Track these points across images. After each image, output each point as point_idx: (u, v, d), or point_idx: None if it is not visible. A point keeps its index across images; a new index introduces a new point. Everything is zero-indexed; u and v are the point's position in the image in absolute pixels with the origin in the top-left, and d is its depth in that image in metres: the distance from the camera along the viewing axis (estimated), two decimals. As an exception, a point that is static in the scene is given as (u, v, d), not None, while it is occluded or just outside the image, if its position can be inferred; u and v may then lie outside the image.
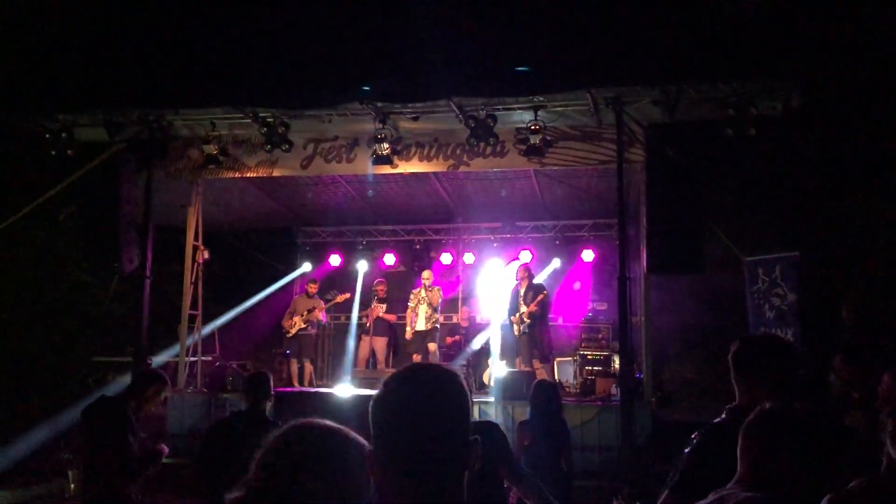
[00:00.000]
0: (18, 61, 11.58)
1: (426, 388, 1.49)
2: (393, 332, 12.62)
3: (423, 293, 11.71)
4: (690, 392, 12.53)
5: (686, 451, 2.76)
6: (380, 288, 12.40)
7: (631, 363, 8.61)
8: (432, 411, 1.46)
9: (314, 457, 1.59)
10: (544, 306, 11.10)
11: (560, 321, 13.25)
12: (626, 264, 8.49)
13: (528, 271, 11.38)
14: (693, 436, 2.80)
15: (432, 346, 11.54)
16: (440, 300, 11.77)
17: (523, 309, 10.93)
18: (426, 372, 1.56)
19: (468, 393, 1.53)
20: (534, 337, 10.92)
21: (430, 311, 11.62)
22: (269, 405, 4.95)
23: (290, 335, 11.82)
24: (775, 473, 1.98)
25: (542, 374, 10.32)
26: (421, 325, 11.60)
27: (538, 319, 10.95)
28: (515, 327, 11.08)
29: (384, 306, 12.32)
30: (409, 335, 11.83)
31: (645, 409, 9.00)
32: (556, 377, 11.59)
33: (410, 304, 11.86)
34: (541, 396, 5.91)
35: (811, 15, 12.32)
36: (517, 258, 13.41)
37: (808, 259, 10.31)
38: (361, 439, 1.64)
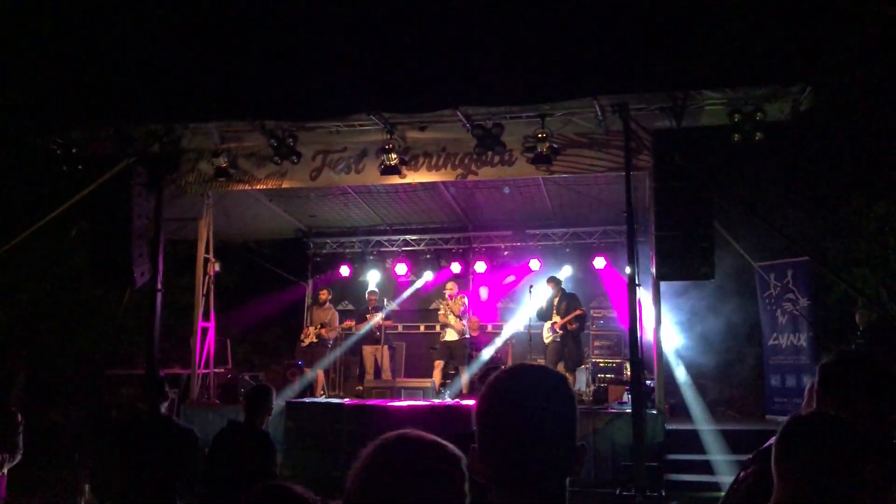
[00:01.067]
0: (28, 78, 11.70)
1: (538, 389, 1.47)
2: (387, 338, 12.73)
3: (449, 304, 11.74)
4: (704, 400, 12.45)
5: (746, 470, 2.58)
6: (372, 298, 12.55)
7: (642, 371, 8.57)
8: (544, 412, 1.44)
9: (413, 469, 1.57)
10: (582, 321, 11.22)
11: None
12: (635, 271, 8.45)
13: (559, 282, 11.56)
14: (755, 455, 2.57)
15: (463, 377, 11.55)
16: (462, 309, 11.78)
17: (556, 318, 11.12)
18: (537, 372, 1.53)
19: (573, 396, 1.52)
20: (566, 346, 11.03)
21: (457, 322, 11.66)
22: (267, 419, 4.97)
23: (304, 345, 11.89)
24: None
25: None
26: (452, 336, 11.63)
27: (570, 330, 11.05)
28: (546, 333, 11.21)
29: (381, 314, 12.38)
30: (444, 343, 11.84)
31: (657, 417, 8.96)
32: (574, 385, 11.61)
33: (441, 312, 11.91)
34: None
35: (817, 19, 12.28)
36: (528, 267, 13.43)
37: (818, 263, 10.25)
38: (457, 451, 1.61)
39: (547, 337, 11.32)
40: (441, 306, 11.90)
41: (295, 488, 1.70)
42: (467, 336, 11.77)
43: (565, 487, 1.45)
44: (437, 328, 12.21)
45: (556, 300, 11.30)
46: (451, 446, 1.57)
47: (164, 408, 4.89)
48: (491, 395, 1.49)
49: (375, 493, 1.47)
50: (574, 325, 11.11)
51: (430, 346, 12.61)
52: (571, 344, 11.15)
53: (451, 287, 11.94)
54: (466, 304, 11.96)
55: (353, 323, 12.63)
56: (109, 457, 4.65)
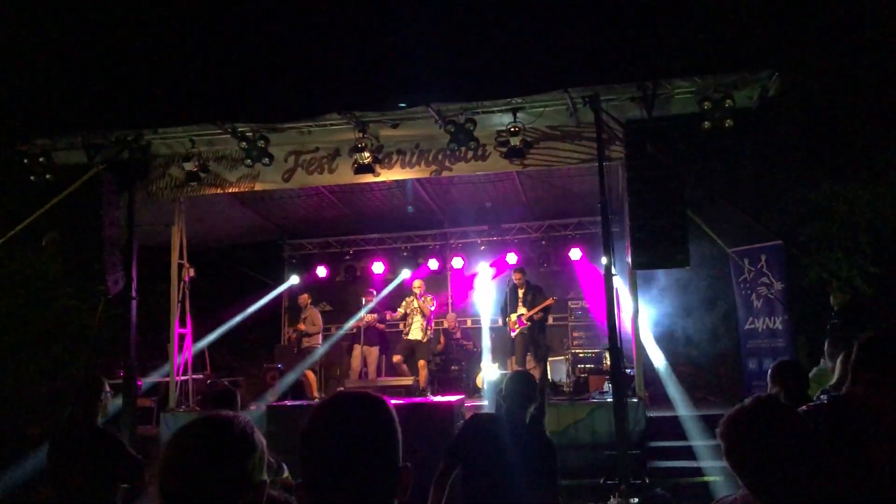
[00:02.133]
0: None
1: (353, 417, 1.51)
2: (385, 341, 12.62)
3: (415, 303, 11.64)
4: (683, 386, 12.56)
5: None
6: (370, 298, 12.41)
7: (621, 360, 8.62)
8: (359, 439, 1.47)
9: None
10: (547, 311, 11.24)
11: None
12: (611, 261, 8.49)
13: (524, 273, 11.49)
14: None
15: (422, 363, 11.46)
16: (432, 310, 11.73)
17: (522, 311, 11.07)
18: (349, 400, 1.58)
19: (394, 419, 1.55)
20: (533, 338, 11.05)
21: (423, 322, 11.58)
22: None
23: (296, 350, 11.98)
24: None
25: (536, 373, 10.48)
26: (416, 335, 11.55)
27: (538, 322, 11.08)
28: (510, 327, 11.20)
29: (375, 316, 12.31)
30: (406, 345, 11.73)
31: (638, 405, 9.02)
32: (550, 376, 11.60)
33: (400, 310, 11.81)
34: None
35: (782, 5, 12.40)
36: (504, 260, 13.46)
37: (792, 247, 10.37)
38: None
39: (513, 330, 11.25)
40: (404, 303, 11.77)
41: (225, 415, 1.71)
42: (430, 337, 11.70)
43: None
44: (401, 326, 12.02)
45: (521, 291, 11.29)
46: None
47: (98, 413, 4.49)
48: (309, 427, 1.52)
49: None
50: (539, 316, 11.11)
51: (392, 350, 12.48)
52: (539, 335, 11.17)
53: (418, 285, 11.85)
54: (434, 307, 11.88)
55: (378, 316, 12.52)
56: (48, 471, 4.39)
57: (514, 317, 11.20)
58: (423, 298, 11.62)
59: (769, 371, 4.29)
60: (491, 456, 4.07)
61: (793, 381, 4.09)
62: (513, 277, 11.46)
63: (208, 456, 1.60)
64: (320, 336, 12.37)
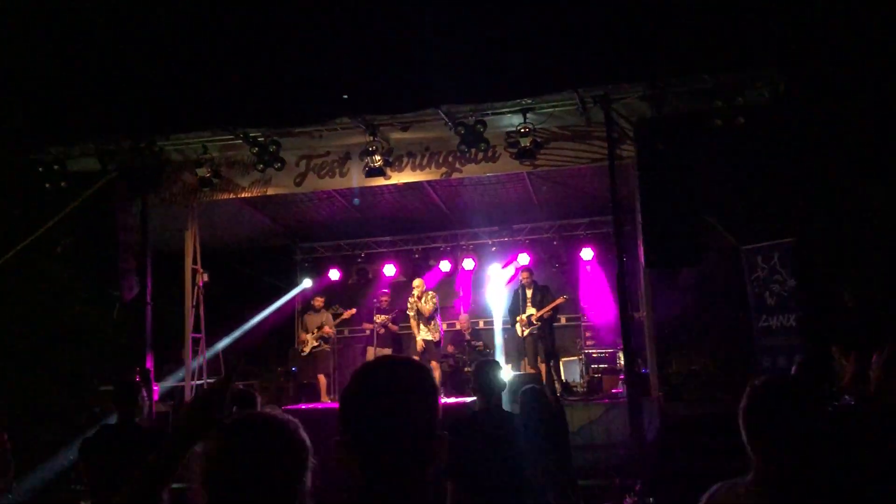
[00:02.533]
0: (7, 96, 11.62)
1: (398, 381, 1.54)
2: (398, 343, 12.62)
3: (417, 302, 11.64)
4: (697, 384, 12.52)
5: None
6: (383, 299, 12.38)
7: (635, 359, 8.61)
8: (395, 402, 1.50)
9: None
10: (556, 310, 11.23)
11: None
12: (623, 260, 8.48)
13: (531, 273, 11.46)
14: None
15: (434, 364, 11.42)
16: (434, 307, 11.66)
17: (531, 311, 11.03)
18: (393, 364, 1.61)
19: (436, 387, 1.58)
20: (542, 338, 11.02)
21: (425, 321, 11.55)
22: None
23: (305, 353, 11.88)
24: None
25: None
26: (425, 335, 11.56)
27: (547, 321, 11.06)
28: (519, 328, 11.19)
29: (387, 317, 12.29)
30: (419, 346, 11.75)
31: (652, 405, 9.00)
32: (563, 377, 11.57)
33: (410, 314, 11.83)
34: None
35: (797, 2, 12.35)
36: (514, 261, 13.47)
37: (805, 244, 10.33)
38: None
39: (523, 331, 11.22)
40: (409, 305, 11.76)
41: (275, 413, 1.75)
42: (440, 338, 11.68)
43: (425, 478, 1.52)
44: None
45: (529, 292, 11.27)
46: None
47: (143, 414, 4.75)
48: (353, 387, 1.55)
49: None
50: (549, 314, 11.09)
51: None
52: (548, 335, 11.14)
53: (418, 284, 11.81)
54: (437, 303, 11.81)
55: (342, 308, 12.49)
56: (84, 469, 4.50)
57: (523, 317, 11.18)
58: (422, 298, 11.59)
59: (794, 369, 4.29)
60: (484, 463, 4.11)
61: (817, 378, 4.09)
62: (520, 277, 11.47)
63: (268, 457, 1.63)
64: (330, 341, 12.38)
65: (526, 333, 11.15)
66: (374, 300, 12.42)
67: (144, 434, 4.60)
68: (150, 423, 4.86)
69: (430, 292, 11.79)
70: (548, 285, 11.55)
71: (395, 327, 12.44)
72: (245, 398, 4.93)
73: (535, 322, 11.03)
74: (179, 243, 11.23)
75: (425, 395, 1.55)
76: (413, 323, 11.67)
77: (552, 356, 11.20)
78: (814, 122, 12.07)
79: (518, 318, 11.25)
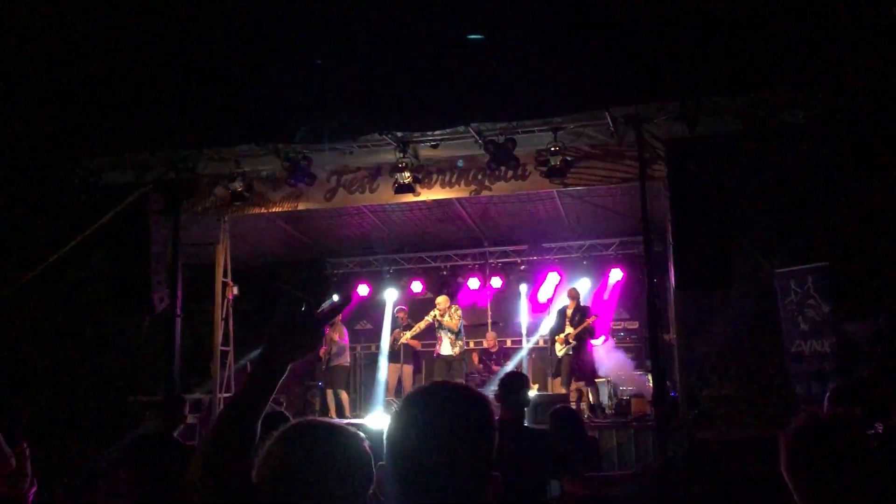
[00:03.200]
0: (44, 108, 11.85)
1: (451, 410, 1.39)
2: (418, 358, 12.62)
3: (445, 318, 11.63)
4: (728, 409, 12.30)
5: None
6: (401, 315, 12.44)
7: (664, 382, 8.49)
8: (454, 436, 1.36)
9: (320, 452, 1.59)
10: (593, 330, 11.15)
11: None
12: (653, 282, 8.39)
13: (577, 293, 11.44)
14: None
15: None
16: (460, 321, 11.68)
17: (569, 330, 10.99)
18: (449, 392, 1.45)
19: (494, 422, 1.42)
20: (579, 358, 10.92)
21: (452, 337, 11.56)
22: None
23: (325, 367, 11.90)
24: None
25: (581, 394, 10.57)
26: (447, 350, 11.53)
27: (583, 341, 10.97)
28: (559, 347, 11.11)
29: (407, 333, 12.33)
30: (437, 351, 11.81)
31: (681, 429, 8.86)
32: (591, 399, 11.45)
33: (422, 324, 11.85)
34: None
35: (829, 21, 12.20)
36: (544, 281, 13.41)
37: (839, 269, 10.14)
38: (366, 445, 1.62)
39: (560, 350, 11.18)
40: (435, 320, 11.73)
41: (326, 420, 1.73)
42: (465, 350, 11.68)
43: None
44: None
45: (569, 311, 11.21)
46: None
47: (178, 430, 4.85)
48: (401, 412, 1.43)
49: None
50: (583, 334, 11.01)
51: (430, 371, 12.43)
52: (585, 356, 11.04)
53: (441, 301, 11.82)
54: (462, 318, 11.80)
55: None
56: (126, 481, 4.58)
57: (561, 336, 11.15)
58: (445, 314, 11.59)
59: (827, 394, 4.16)
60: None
61: (854, 407, 3.95)
62: (568, 296, 11.42)
63: (339, 466, 1.59)
64: (348, 354, 12.37)
65: (563, 353, 11.09)
66: (394, 316, 12.50)
67: (184, 448, 4.67)
68: (182, 436, 4.92)
69: (455, 307, 11.80)
70: (587, 305, 11.49)
71: (417, 343, 12.44)
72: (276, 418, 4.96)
73: (571, 341, 10.97)
74: (210, 256, 11.34)
75: (482, 430, 1.40)
76: (438, 337, 11.68)
77: (586, 377, 11.07)
78: (850, 144, 11.88)
79: (557, 338, 11.20)
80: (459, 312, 11.77)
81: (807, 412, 2.05)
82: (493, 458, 1.40)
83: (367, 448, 1.66)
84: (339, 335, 12.07)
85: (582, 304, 11.45)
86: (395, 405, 1.54)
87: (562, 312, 11.35)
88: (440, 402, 1.41)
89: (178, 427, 4.80)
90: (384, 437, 1.42)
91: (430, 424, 1.37)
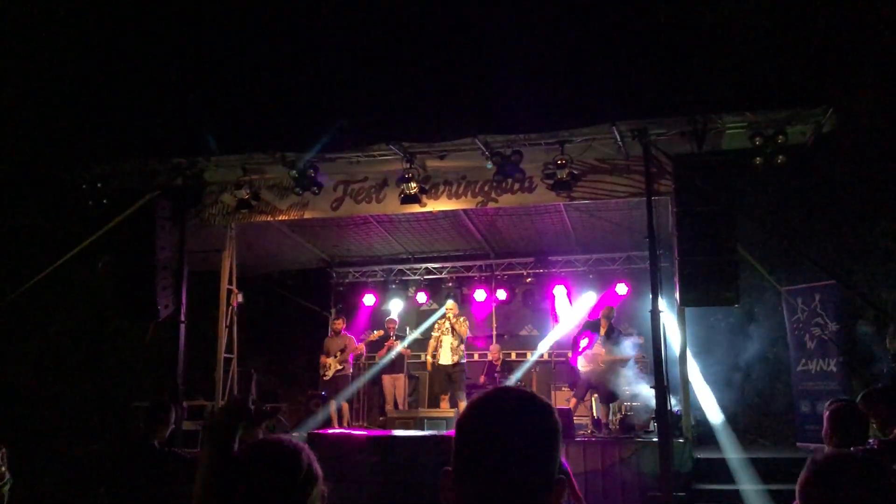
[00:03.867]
0: (54, 114, 11.94)
1: (518, 414, 1.42)
2: (407, 368, 12.67)
3: (447, 324, 11.59)
4: (732, 427, 12.23)
5: None
6: (391, 326, 12.49)
7: (667, 398, 8.43)
8: (521, 440, 1.38)
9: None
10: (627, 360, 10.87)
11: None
12: (658, 297, 8.35)
13: (612, 313, 11.08)
14: None
15: (462, 404, 11.31)
16: (467, 332, 11.68)
17: (600, 350, 10.62)
18: (520, 397, 1.47)
19: (559, 427, 1.45)
20: (606, 379, 10.54)
21: (456, 343, 11.49)
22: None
23: (328, 378, 11.84)
24: None
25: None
26: (446, 359, 11.46)
27: (613, 365, 10.66)
28: (584, 362, 10.78)
29: (399, 342, 12.35)
30: (428, 366, 11.75)
31: (684, 446, 8.80)
32: (595, 413, 11.37)
33: (434, 334, 11.79)
34: None
35: (837, 40, 12.20)
36: (552, 293, 13.37)
37: (847, 287, 10.09)
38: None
39: (584, 366, 10.75)
40: (436, 325, 11.68)
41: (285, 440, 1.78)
42: (463, 361, 11.63)
43: None
44: (429, 352, 11.92)
45: (604, 330, 10.86)
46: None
47: (161, 437, 4.67)
48: (469, 416, 1.44)
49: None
50: (619, 360, 10.62)
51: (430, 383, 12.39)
52: (612, 379, 10.58)
53: (451, 306, 11.81)
54: (467, 328, 11.79)
55: (372, 335, 12.46)
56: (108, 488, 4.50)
57: (589, 353, 10.72)
58: (457, 320, 11.57)
59: (827, 414, 4.10)
60: None
61: (854, 427, 3.90)
62: (602, 314, 11.08)
63: (274, 484, 1.63)
64: (350, 365, 12.35)
65: (587, 370, 10.72)
66: (385, 326, 12.54)
67: (163, 454, 4.57)
68: (167, 445, 4.81)
69: (463, 317, 11.83)
70: (621, 330, 11.24)
71: (406, 352, 12.49)
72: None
73: (601, 364, 10.56)
74: (216, 263, 11.35)
75: (549, 436, 1.42)
76: (434, 342, 11.64)
77: (610, 398, 10.76)
78: (857, 163, 11.85)
79: (585, 353, 10.78)
80: (467, 322, 11.80)
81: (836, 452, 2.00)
82: (558, 462, 1.42)
83: (315, 467, 1.75)
84: (350, 350, 11.95)
85: (615, 325, 11.14)
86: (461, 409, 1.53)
87: (594, 327, 11.07)
88: (514, 407, 1.43)
89: (160, 433, 4.69)
90: (454, 439, 1.43)
91: (504, 428, 1.39)
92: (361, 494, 8.71)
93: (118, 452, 4.55)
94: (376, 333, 12.43)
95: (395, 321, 12.73)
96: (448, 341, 11.46)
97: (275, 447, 1.71)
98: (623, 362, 10.64)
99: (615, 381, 10.68)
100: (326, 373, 11.86)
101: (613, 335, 10.90)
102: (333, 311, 14.23)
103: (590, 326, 11.16)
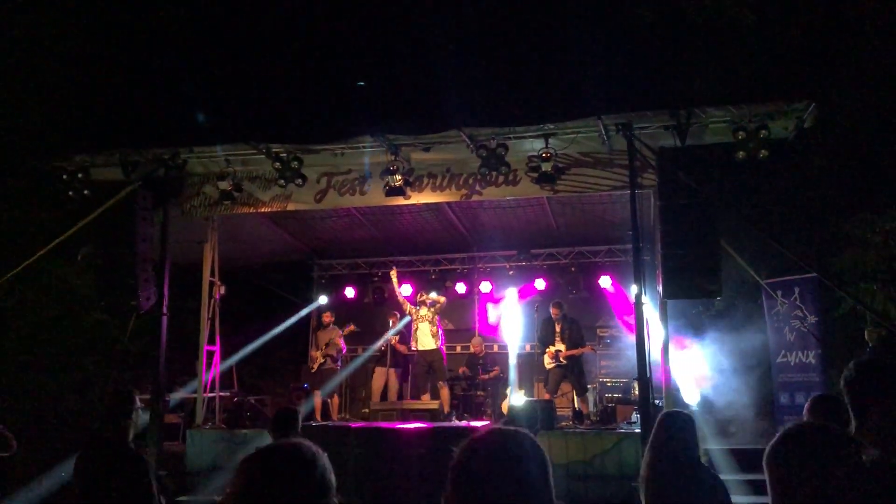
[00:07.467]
0: (35, 104, 11.78)
1: (513, 454, 1.53)
2: (406, 363, 12.58)
3: (422, 311, 11.54)
4: (712, 418, 12.35)
5: None
6: (393, 319, 12.39)
7: (650, 390, 8.49)
8: (517, 478, 1.49)
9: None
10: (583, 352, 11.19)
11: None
12: (641, 290, 8.40)
13: (562, 307, 11.31)
14: None
15: (441, 384, 11.36)
16: (441, 306, 11.66)
17: (560, 347, 10.99)
18: (512, 438, 1.58)
19: (546, 458, 1.57)
20: (571, 372, 10.92)
21: (435, 329, 11.46)
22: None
23: (314, 370, 11.80)
24: None
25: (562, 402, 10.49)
26: (428, 344, 11.41)
27: (575, 358, 10.97)
28: (547, 359, 11.06)
29: (397, 337, 12.30)
30: (405, 350, 11.93)
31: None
32: (575, 405, 11.45)
33: (416, 324, 11.76)
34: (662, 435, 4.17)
35: (820, 35, 12.31)
36: (532, 286, 13.41)
37: (826, 279, 10.20)
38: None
39: (549, 363, 11.10)
40: (416, 312, 11.66)
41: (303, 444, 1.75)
42: (441, 343, 11.63)
43: None
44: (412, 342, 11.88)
45: (558, 327, 11.16)
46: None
47: (125, 430, 4.29)
48: (466, 456, 1.54)
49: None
50: (577, 353, 11.05)
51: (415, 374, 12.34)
52: (577, 370, 11.05)
53: (421, 294, 11.83)
54: (443, 301, 11.83)
55: (353, 327, 12.38)
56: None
57: (552, 350, 11.06)
58: (435, 305, 11.56)
59: (807, 405, 4.14)
60: None
61: (834, 419, 3.93)
62: (550, 311, 11.30)
63: (295, 492, 1.62)
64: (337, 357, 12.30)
65: (551, 366, 11.05)
66: (389, 320, 12.45)
67: (131, 456, 4.24)
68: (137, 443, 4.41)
69: (436, 293, 11.85)
70: (577, 320, 11.41)
71: (404, 348, 12.40)
72: (291, 416, 4.84)
73: (562, 361, 10.93)
74: (198, 255, 11.28)
75: (540, 470, 1.53)
76: (414, 330, 11.60)
77: (583, 390, 11.13)
78: (838, 155, 11.97)
79: (547, 350, 11.13)
80: (442, 297, 11.88)
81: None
82: (552, 491, 1.55)
83: (330, 473, 1.73)
84: (336, 349, 11.86)
85: (568, 315, 11.33)
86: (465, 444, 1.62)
87: (549, 323, 11.26)
88: (508, 447, 1.55)
89: (122, 427, 4.26)
90: (450, 474, 1.55)
91: (500, 468, 1.50)
92: (346, 484, 8.70)
93: (86, 452, 4.28)
94: (350, 327, 12.29)
95: (396, 315, 12.57)
96: (426, 327, 11.43)
97: (289, 452, 1.69)
98: (582, 354, 11.12)
99: (581, 370, 11.12)
100: (313, 365, 11.82)
101: (569, 329, 11.09)
102: (316, 304, 14.16)
103: (545, 321, 11.29)
